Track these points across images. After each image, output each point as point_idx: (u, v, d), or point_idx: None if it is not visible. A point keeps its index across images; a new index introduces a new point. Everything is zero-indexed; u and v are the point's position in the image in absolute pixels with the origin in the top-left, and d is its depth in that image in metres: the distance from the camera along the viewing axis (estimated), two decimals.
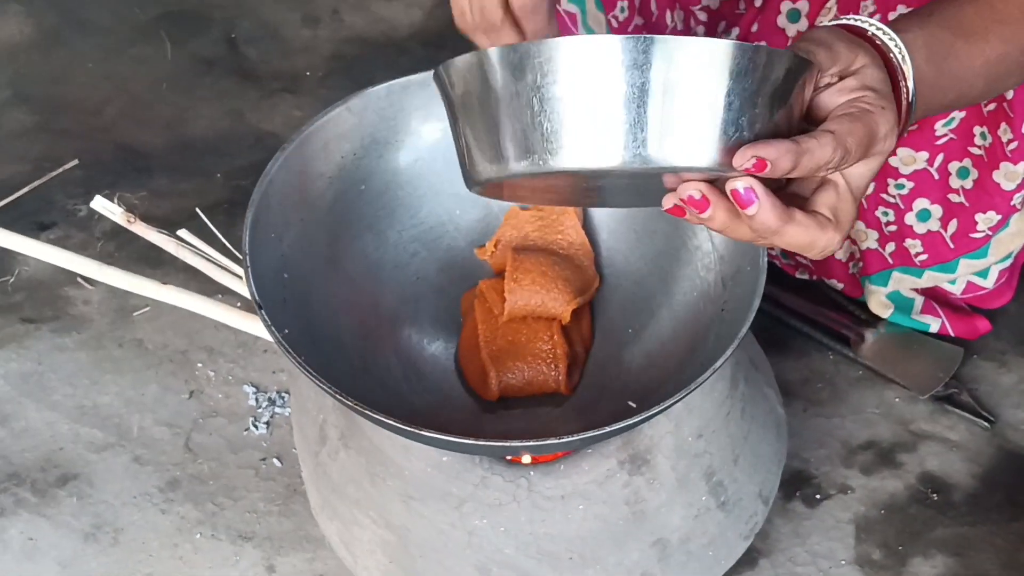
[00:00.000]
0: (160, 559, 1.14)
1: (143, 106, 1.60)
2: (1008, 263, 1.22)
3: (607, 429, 0.79)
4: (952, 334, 1.27)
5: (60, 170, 1.50)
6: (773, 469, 1.04)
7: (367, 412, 0.79)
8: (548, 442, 0.79)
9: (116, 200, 1.15)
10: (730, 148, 0.63)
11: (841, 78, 0.70)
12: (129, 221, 1.14)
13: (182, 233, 1.14)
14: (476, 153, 0.67)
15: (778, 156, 0.62)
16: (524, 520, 0.94)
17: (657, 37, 0.62)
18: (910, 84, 0.74)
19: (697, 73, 0.62)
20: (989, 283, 1.23)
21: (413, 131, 1.01)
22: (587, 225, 1.05)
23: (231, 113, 1.59)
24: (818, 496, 1.19)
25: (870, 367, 1.28)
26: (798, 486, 1.19)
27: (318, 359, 0.87)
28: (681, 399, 0.81)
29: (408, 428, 0.78)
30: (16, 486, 1.19)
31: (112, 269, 1.06)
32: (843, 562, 1.14)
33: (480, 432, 0.91)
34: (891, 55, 0.73)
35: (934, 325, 1.27)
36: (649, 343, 0.98)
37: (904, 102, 0.74)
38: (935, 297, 1.27)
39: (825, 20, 1.17)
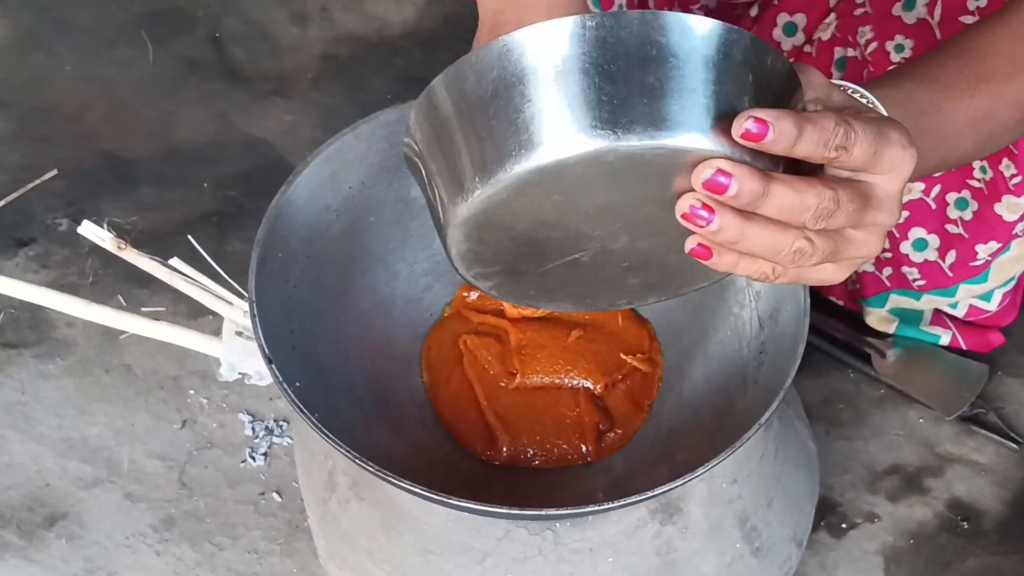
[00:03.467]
0: None
1: (126, 111, 1.52)
2: (1011, 285, 1.18)
3: (649, 494, 0.74)
4: (964, 347, 1.23)
5: (38, 181, 1.43)
6: (806, 509, 0.99)
7: (393, 480, 0.73)
8: (589, 509, 0.74)
9: (105, 225, 1.08)
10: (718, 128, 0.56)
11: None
12: (120, 248, 1.08)
13: (174, 262, 1.08)
14: (442, 197, 0.60)
15: (777, 118, 0.55)
16: (550, 574, 0.88)
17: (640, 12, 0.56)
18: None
19: (680, 49, 0.56)
20: (992, 306, 1.19)
21: None
22: None
23: (218, 117, 1.52)
24: (844, 525, 1.14)
25: (892, 386, 1.24)
26: (823, 514, 1.14)
27: (329, 409, 0.81)
28: (726, 458, 0.76)
29: (439, 497, 0.72)
30: (1, 528, 1.12)
31: (101, 308, 1.00)
32: None
33: (503, 487, 0.86)
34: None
35: (944, 337, 1.23)
36: (678, 385, 0.93)
37: None
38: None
39: (824, 35, 1.12)
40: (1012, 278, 1.17)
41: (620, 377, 0.92)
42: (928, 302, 1.19)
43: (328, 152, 0.90)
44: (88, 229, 1.08)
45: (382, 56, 1.58)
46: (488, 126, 0.57)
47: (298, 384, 0.79)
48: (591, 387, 0.91)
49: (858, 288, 1.21)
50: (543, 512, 0.74)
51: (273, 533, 1.13)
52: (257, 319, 0.80)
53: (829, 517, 1.14)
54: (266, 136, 1.49)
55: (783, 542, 0.96)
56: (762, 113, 0.55)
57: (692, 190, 0.58)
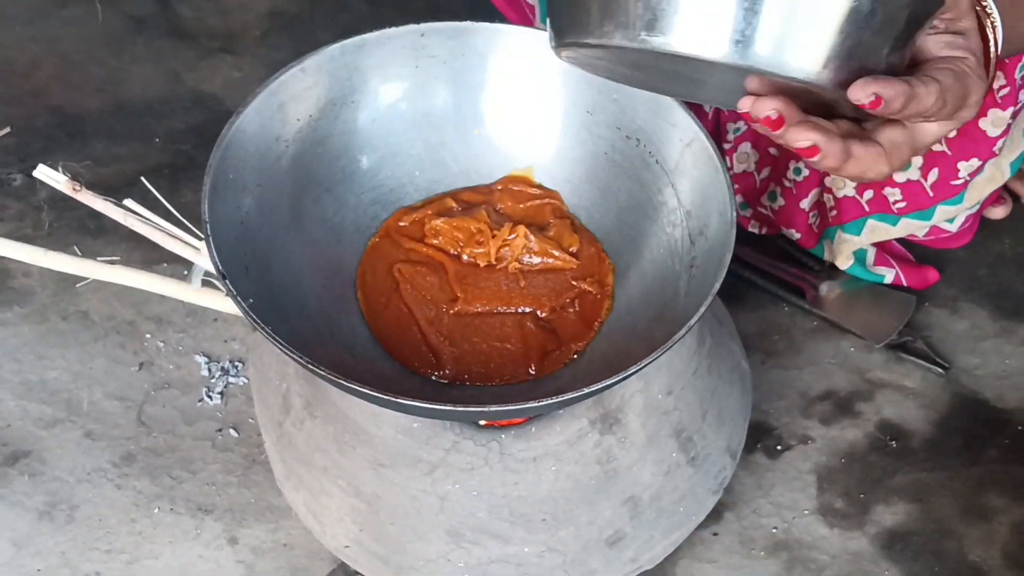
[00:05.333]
0: (118, 535, 1.11)
1: (75, 68, 1.55)
2: (976, 209, 1.24)
3: (586, 391, 0.78)
4: (906, 284, 1.29)
5: None
6: (740, 423, 1.04)
7: (342, 382, 0.77)
8: (526, 406, 0.78)
9: (60, 168, 1.11)
10: (845, 67, 0.60)
11: (948, 31, 0.69)
12: (75, 189, 1.11)
13: (128, 202, 1.11)
14: (569, 12, 0.64)
15: (893, 96, 0.61)
16: (496, 483, 0.93)
17: None
18: (999, 40, 0.73)
19: None
20: (954, 227, 1.24)
21: (370, 91, 0.98)
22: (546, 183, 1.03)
23: (167, 74, 1.55)
24: (779, 447, 1.19)
25: (825, 318, 1.29)
26: (759, 438, 1.19)
27: (283, 327, 0.85)
28: (656, 359, 0.81)
29: (385, 396, 0.76)
30: None
31: (59, 255, 1.03)
32: (806, 512, 1.15)
33: (449, 397, 0.90)
34: (984, 17, 0.73)
35: (888, 276, 1.28)
36: (617, 302, 0.97)
37: (992, 58, 0.73)
38: (887, 248, 1.28)
39: None
40: (979, 201, 1.22)
41: (568, 301, 0.96)
42: (904, 227, 1.23)
43: (275, 85, 0.93)
44: (43, 172, 1.11)
45: (328, 12, 1.61)
46: None
47: (251, 300, 0.83)
48: (537, 313, 0.95)
49: (835, 215, 1.25)
50: (483, 409, 0.79)
51: (230, 466, 1.16)
52: (211, 239, 0.84)
53: (765, 440, 1.20)
54: (215, 91, 1.52)
55: (718, 453, 1.01)
56: (882, 88, 0.61)
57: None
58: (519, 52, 0.97)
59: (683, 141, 0.94)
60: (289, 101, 0.95)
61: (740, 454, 1.05)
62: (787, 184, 1.26)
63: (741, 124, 1.24)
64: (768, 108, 0.63)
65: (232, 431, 1.19)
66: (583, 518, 0.95)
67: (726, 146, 1.26)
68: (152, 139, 1.47)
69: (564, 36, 0.65)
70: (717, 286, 0.83)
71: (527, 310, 0.96)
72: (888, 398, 1.23)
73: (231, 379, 1.23)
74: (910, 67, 0.68)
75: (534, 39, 0.96)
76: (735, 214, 0.87)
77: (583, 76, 0.90)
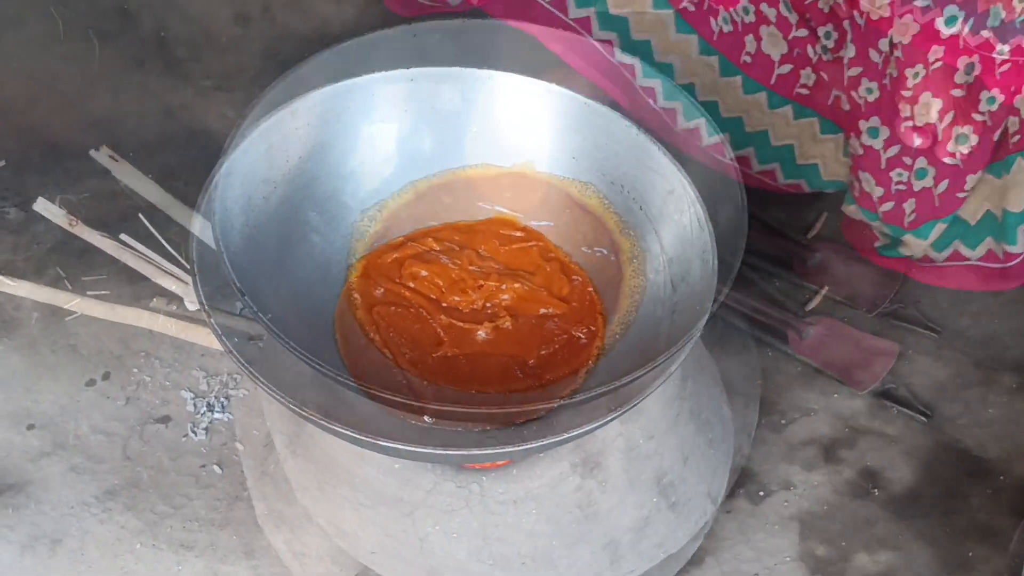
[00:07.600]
0: (100, 570, 1.12)
1: (72, 105, 1.56)
2: None
3: (567, 435, 0.79)
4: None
5: None
6: (721, 469, 1.05)
7: (329, 425, 0.78)
8: (508, 449, 0.79)
9: (58, 203, 1.12)
10: None
11: None
12: (71, 224, 1.13)
13: (124, 237, 1.12)
14: None
15: None
16: (476, 525, 0.93)
17: None
18: None
19: None
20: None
21: (358, 134, 1.00)
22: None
23: (162, 112, 1.56)
24: (761, 493, 1.20)
25: (809, 363, 1.30)
26: (741, 483, 1.20)
27: (268, 367, 0.85)
28: (635, 405, 0.81)
29: (368, 439, 0.77)
30: None
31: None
32: (788, 559, 1.15)
33: (431, 439, 0.90)
34: None
35: None
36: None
37: None
38: None
39: None
40: None
41: (557, 348, 0.96)
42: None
43: (265, 127, 0.95)
44: (42, 206, 1.13)
45: None
46: None
47: (236, 340, 0.84)
48: (524, 358, 0.96)
49: (914, 219, 1.28)
50: (464, 452, 0.79)
51: (213, 503, 1.17)
52: (197, 277, 0.85)
53: (748, 485, 1.20)
54: (208, 129, 1.53)
55: (698, 498, 1.01)
56: None
57: None
58: (506, 98, 0.98)
59: (666, 188, 0.95)
60: (277, 143, 0.96)
61: (721, 499, 1.06)
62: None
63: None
64: None
65: (216, 467, 1.19)
66: (562, 562, 0.95)
67: None
68: (146, 175, 1.48)
69: None
70: (697, 334, 0.84)
71: (514, 355, 0.96)
72: (871, 445, 1.24)
73: (216, 415, 1.23)
74: None
75: (520, 85, 0.97)
76: (716, 260, 0.88)
77: (568, 122, 0.92)
